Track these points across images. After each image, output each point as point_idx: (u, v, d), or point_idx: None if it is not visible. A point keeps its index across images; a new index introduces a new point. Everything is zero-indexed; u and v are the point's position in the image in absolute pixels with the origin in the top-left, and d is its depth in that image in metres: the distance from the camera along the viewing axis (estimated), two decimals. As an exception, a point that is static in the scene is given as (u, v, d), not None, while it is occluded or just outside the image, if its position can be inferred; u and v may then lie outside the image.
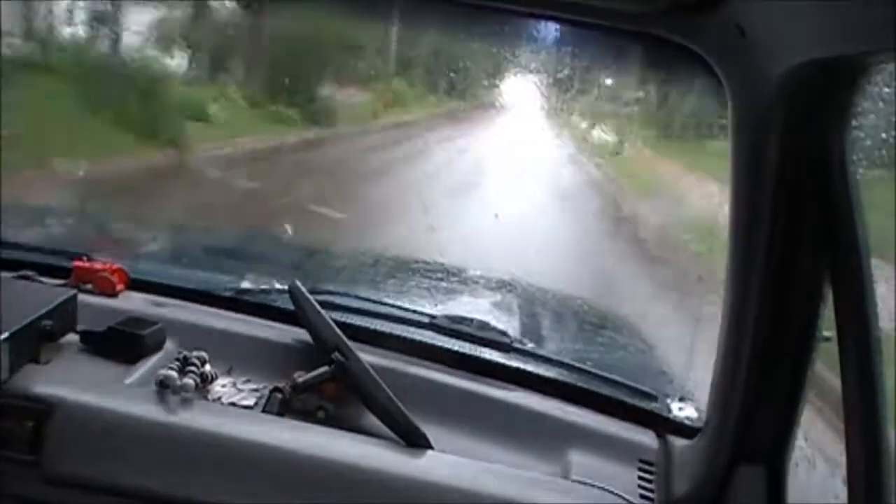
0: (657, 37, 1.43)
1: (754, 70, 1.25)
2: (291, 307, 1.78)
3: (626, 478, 1.61)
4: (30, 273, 1.83)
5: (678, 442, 1.70)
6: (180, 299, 1.91)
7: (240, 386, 1.69)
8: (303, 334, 1.77)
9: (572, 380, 1.88)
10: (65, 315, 1.65)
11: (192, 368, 1.63)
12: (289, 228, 2.93)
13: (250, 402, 1.65)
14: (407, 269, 2.63)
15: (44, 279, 1.83)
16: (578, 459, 1.64)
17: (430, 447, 1.59)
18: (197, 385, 1.60)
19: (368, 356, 1.70)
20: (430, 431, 1.60)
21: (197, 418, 1.54)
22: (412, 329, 1.95)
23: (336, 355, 1.65)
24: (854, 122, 1.24)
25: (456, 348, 1.90)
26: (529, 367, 1.90)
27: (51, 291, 1.70)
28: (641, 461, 1.66)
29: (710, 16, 1.27)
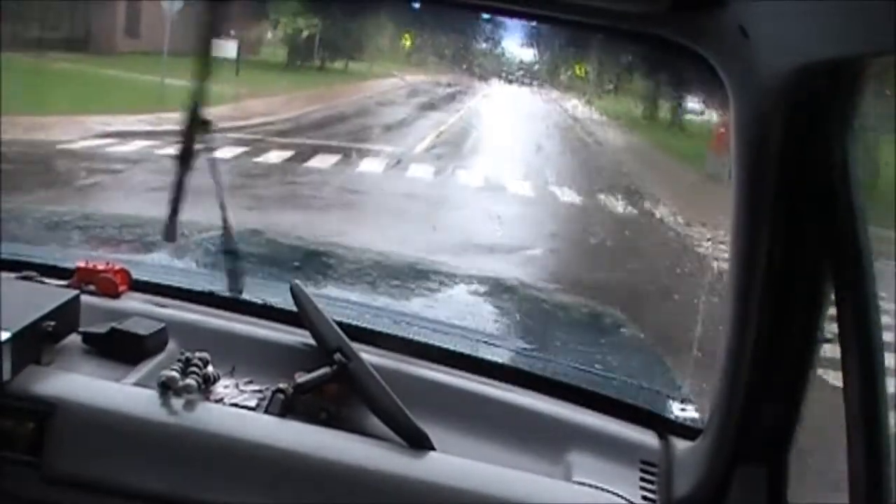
0: (659, 37, 1.43)
1: (756, 71, 1.25)
2: (293, 308, 1.78)
3: (627, 478, 1.61)
4: (32, 274, 1.83)
5: (680, 443, 1.70)
6: (182, 300, 1.91)
7: (242, 387, 1.69)
8: (305, 335, 1.77)
9: (574, 380, 1.87)
10: (67, 316, 1.65)
11: (195, 369, 1.62)
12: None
13: (252, 403, 1.65)
14: (409, 270, 2.63)
15: (46, 280, 1.83)
16: (580, 460, 1.64)
17: (432, 448, 1.58)
18: (199, 386, 1.60)
19: (370, 357, 1.70)
20: (432, 432, 1.60)
21: (199, 419, 1.54)
22: (414, 330, 1.95)
23: (338, 356, 1.65)
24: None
25: (458, 349, 1.89)
26: (531, 367, 1.90)
27: (53, 292, 1.70)
28: (643, 462, 1.66)
29: (712, 17, 1.27)
